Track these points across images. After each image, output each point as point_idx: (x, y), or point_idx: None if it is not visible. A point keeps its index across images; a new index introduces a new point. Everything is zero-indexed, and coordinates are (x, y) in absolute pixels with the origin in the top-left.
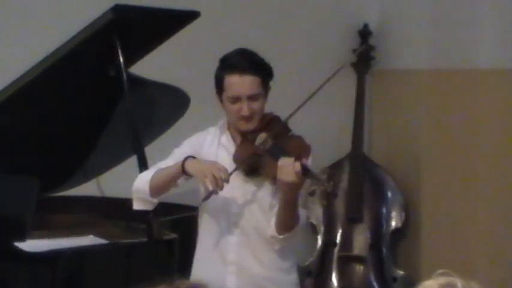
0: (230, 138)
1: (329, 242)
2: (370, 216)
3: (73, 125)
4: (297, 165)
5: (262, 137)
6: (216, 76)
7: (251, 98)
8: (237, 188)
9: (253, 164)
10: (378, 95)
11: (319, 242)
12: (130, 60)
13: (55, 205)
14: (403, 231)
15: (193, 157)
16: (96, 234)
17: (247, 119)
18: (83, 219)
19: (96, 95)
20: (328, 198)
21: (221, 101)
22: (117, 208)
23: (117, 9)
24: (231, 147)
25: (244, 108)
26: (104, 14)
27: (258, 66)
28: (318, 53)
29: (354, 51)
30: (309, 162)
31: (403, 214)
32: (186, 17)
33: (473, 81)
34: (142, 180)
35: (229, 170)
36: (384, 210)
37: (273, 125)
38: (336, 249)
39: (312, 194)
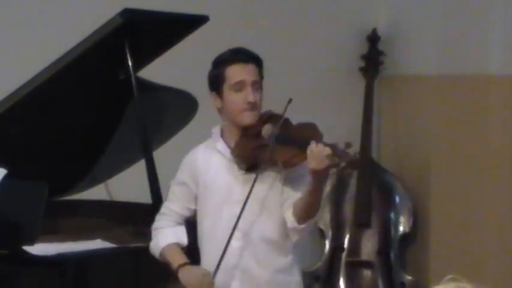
0: (225, 145)
1: (337, 247)
2: (379, 221)
3: (82, 129)
4: (327, 150)
5: (268, 127)
6: (214, 72)
7: (254, 85)
8: (237, 192)
9: (257, 157)
10: (387, 101)
11: (327, 246)
12: (140, 64)
13: (63, 209)
14: (411, 237)
15: (189, 263)
16: (104, 238)
17: (253, 107)
18: (91, 223)
19: (105, 99)
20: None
21: (220, 96)
22: (125, 212)
23: (126, 13)
24: (226, 153)
25: (250, 94)
26: (113, 18)
27: (256, 57)
28: (326, 58)
29: (363, 56)
30: None
31: (412, 219)
32: (195, 22)
33: (482, 87)
34: (155, 249)
35: (225, 169)
36: (392, 215)
37: (274, 119)
38: (344, 254)
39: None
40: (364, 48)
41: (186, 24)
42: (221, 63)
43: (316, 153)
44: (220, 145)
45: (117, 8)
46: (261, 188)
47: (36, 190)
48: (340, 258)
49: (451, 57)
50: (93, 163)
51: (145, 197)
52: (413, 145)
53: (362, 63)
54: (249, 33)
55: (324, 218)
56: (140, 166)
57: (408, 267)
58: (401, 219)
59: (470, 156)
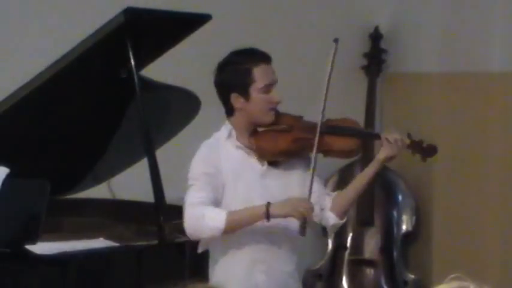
0: (241, 144)
1: (340, 245)
2: (381, 219)
3: (84, 128)
4: (407, 140)
5: (307, 121)
6: (235, 74)
7: (276, 85)
8: (262, 187)
9: (301, 149)
10: (389, 99)
11: (330, 245)
12: (142, 62)
13: (66, 208)
14: (414, 235)
15: (269, 203)
16: (107, 237)
17: (276, 106)
18: (93, 221)
19: (107, 98)
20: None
21: (245, 96)
22: (128, 210)
23: (128, 12)
24: (245, 149)
25: (277, 94)
26: (116, 17)
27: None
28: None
29: (365, 54)
30: None
31: (414, 218)
32: (197, 20)
33: (484, 84)
34: (215, 230)
35: (247, 165)
36: (395, 213)
37: (287, 116)
38: (347, 253)
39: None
40: (366, 47)
41: (188, 23)
42: (245, 64)
43: (396, 142)
44: (237, 142)
45: (119, 7)
46: (281, 183)
47: (39, 189)
48: (342, 257)
49: (453, 55)
50: (96, 162)
51: (147, 196)
52: None
53: (364, 62)
54: (250, 31)
55: None
56: (143, 165)
57: (411, 266)
58: (404, 217)
59: (472, 153)
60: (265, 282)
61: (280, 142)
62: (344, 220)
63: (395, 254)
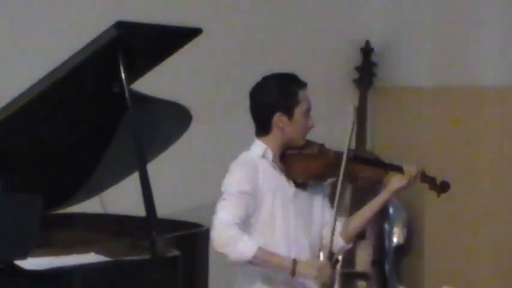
0: (275, 164)
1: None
2: (373, 232)
3: (76, 142)
4: (421, 175)
5: (327, 148)
6: (285, 94)
7: None
8: (292, 208)
9: (330, 173)
10: (380, 112)
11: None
12: (133, 76)
13: (57, 222)
14: (405, 248)
15: (295, 260)
16: (98, 251)
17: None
18: (85, 236)
19: (99, 112)
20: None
21: (288, 116)
22: (119, 225)
23: (119, 25)
24: (278, 170)
25: (313, 120)
26: (107, 31)
27: None
28: (320, 70)
29: (356, 68)
30: None
31: (406, 230)
32: (188, 34)
33: (474, 98)
34: (242, 257)
35: (282, 186)
36: (387, 226)
37: (313, 142)
38: (339, 266)
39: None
40: (357, 60)
41: (179, 36)
42: (292, 86)
43: (414, 177)
44: (272, 163)
45: (110, 21)
46: (307, 206)
47: (31, 203)
48: (334, 270)
49: (443, 69)
50: (88, 176)
51: (139, 210)
52: (407, 156)
53: (356, 75)
54: (243, 45)
55: None
56: (134, 179)
57: (403, 279)
58: (396, 230)
59: (463, 167)
60: None
61: (313, 166)
62: (350, 245)
63: (387, 266)
